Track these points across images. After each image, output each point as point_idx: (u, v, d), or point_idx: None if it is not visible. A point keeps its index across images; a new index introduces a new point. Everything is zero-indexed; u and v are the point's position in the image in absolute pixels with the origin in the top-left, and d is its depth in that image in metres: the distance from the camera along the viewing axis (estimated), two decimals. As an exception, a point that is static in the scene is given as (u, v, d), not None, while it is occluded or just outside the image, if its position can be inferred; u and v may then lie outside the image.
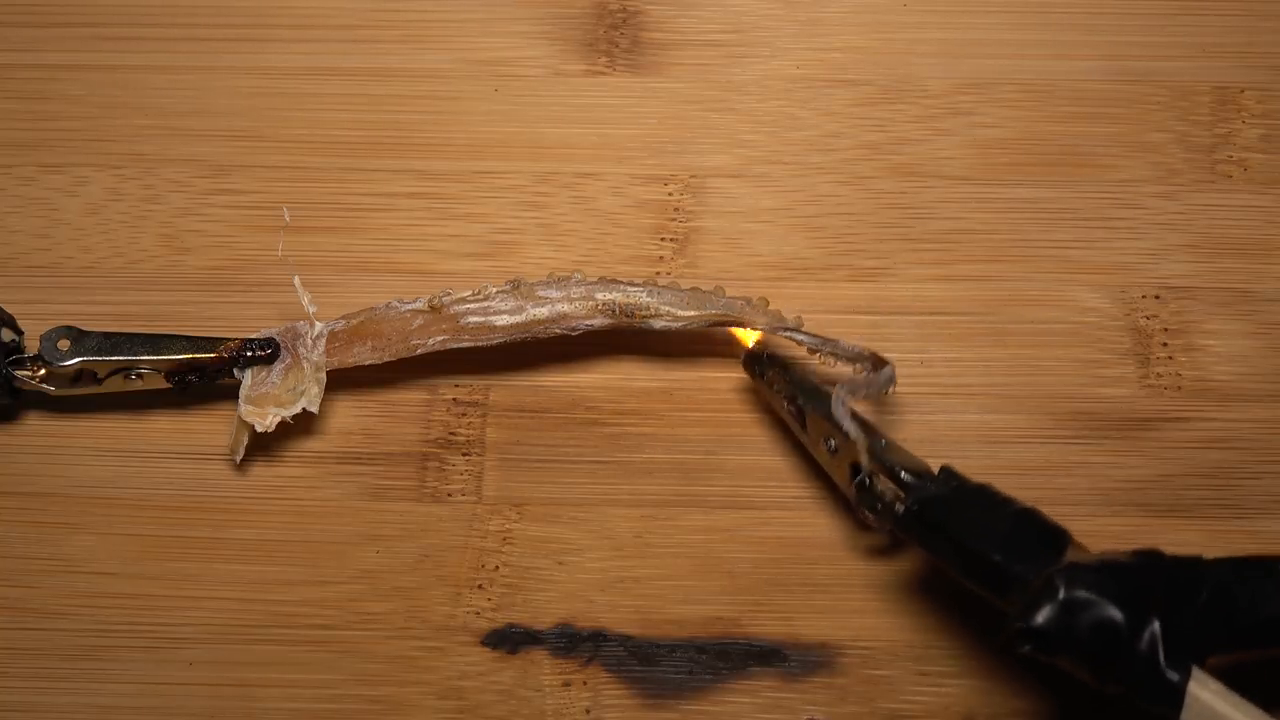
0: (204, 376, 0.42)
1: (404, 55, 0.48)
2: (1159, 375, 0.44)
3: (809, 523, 0.43)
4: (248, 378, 0.42)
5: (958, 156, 0.46)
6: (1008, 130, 0.47)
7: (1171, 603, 0.33)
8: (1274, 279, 0.45)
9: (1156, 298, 0.45)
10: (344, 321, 0.42)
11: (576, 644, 0.42)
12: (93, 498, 0.43)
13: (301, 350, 0.42)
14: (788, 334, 0.41)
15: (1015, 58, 0.47)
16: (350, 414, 0.44)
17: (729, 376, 0.44)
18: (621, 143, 0.47)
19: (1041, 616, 0.33)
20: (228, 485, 0.43)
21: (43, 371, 0.42)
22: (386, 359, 0.42)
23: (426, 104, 0.47)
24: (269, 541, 0.43)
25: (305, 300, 0.42)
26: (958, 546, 0.36)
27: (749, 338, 0.43)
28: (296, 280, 0.42)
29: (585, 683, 0.41)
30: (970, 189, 0.46)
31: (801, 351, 0.42)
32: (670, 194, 0.46)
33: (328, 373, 0.42)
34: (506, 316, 0.42)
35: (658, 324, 0.42)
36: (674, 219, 0.46)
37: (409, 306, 0.42)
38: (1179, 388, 0.44)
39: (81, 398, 0.43)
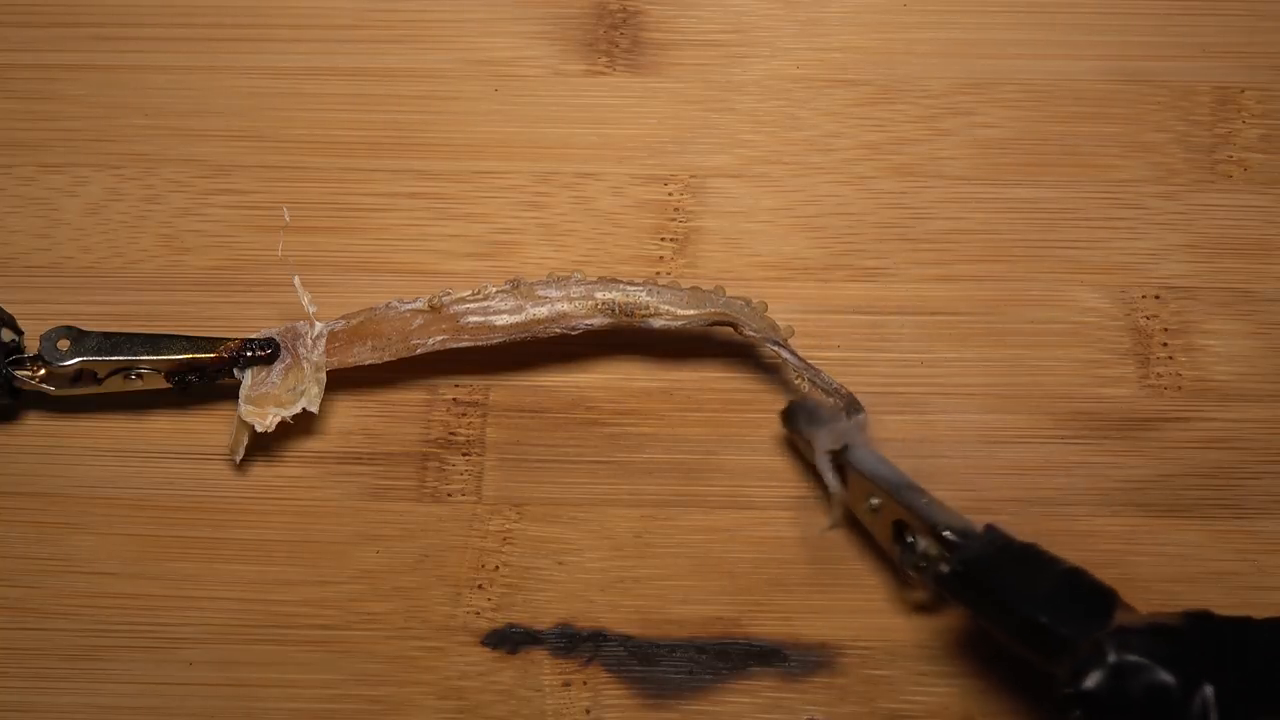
0: (204, 376, 0.42)
1: (404, 55, 0.48)
2: (1159, 375, 0.44)
3: (809, 523, 0.43)
4: (248, 378, 0.42)
5: (958, 156, 0.46)
6: (1008, 130, 0.47)
7: (1223, 666, 0.33)
8: (1274, 279, 0.45)
9: (1156, 298, 0.45)
10: (344, 321, 0.42)
11: (576, 644, 0.42)
12: (93, 498, 0.43)
13: (301, 350, 0.42)
14: (775, 347, 0.41)
15: (1015, 58, 0.47)
16: (350, 414, 0.44)
17: (729, 376, 0.44)
18: (621, 143, 0.47)
19: (1091, 682, 0.32)
20: (228, 485, 0.43)
21: (43, 371, 0.42)
22: (386, 359, 0.42)
23: (426, 104, 0.47)
24: (269, 541, 0.43)
25: (305, 300, 0.42)
26: (1003, 608, 0.35)
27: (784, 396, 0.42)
28: (296, 280, 0.42)
29: (585, 683, 0.41)
30: (970, 189, 0.46)
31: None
32: (670, 194, 0.46)
33: (328, 373, 0.42)
34: (506, 316, 0.41)
35: (657, 323, 0.42)
36: (674, 219, 0.46)
37: (409, 306, 0.42)
38: (1179, 388, 0.44)
39: (81, 398, 0.43)
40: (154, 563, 0.42)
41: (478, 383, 0.44)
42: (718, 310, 0.41)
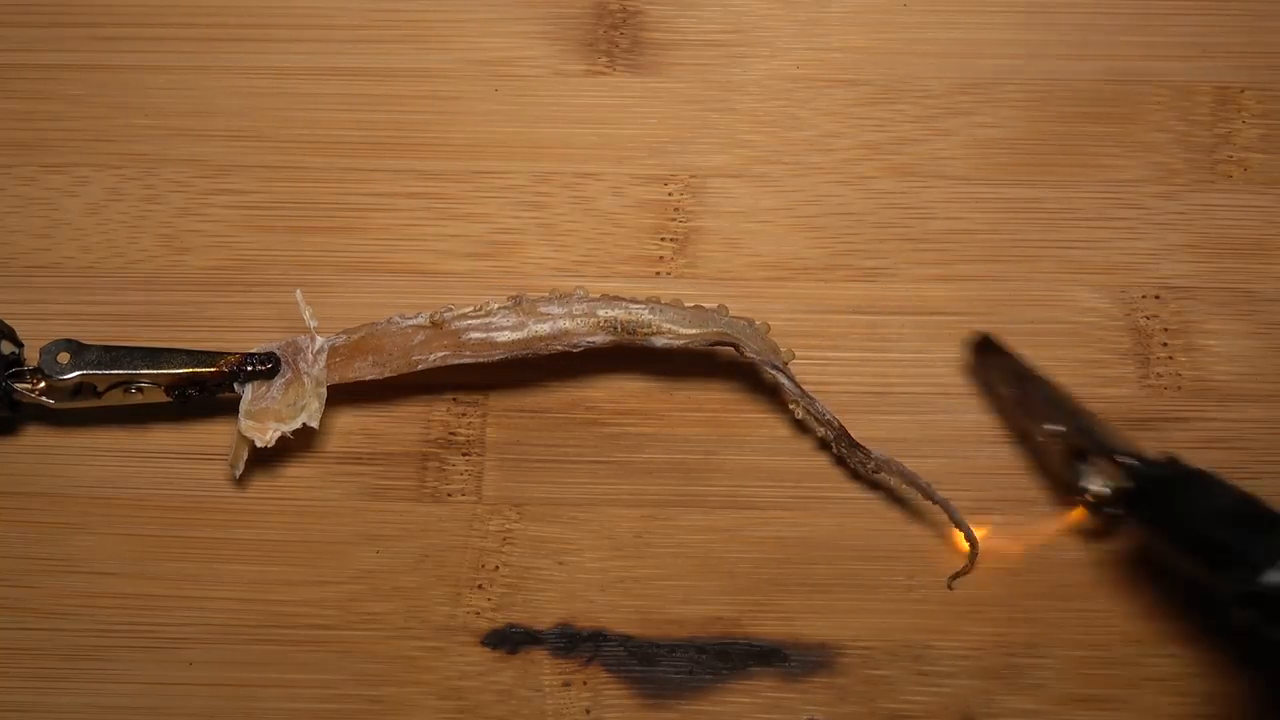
0: (204, 391, 0.42)
1: (404, 55, 0.48)
2: (1159, 375, 0.44)
3: (809, 523, 0.43)
4: (248, 392, 0.41)
5: (958, 156, 0.46)
6: (1008, 130, 0.47)
7: None
8: (1274, 279, 0.45)
9: (1156, 298, 0.45)
10: (345, 336, 0.42)
11: (576, 644, 0.42)
12: (93, 498, 0.43)
13: (302, 365, 0.41)
14: (774, 371, 0.41)
15: (1015, 58, 0.47)
16: (350, 414, 0.44)
17: (729, 377, 0.44)
18: (621, 143, 0.47)
19: (1271, 579, 0.33)
20: (227, 485, 0.43)
21: (42, 384, 0.42)
22: (388, 374, 0.42)
23: (426, 104, 0.47)
24: (269, 541, 0.43)
25: (307, 315, 0.42)
26: (1181, 522, 0.36)
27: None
28: (299, 295, 0.42)
29: (585, 683, 0.41)
30: (970, 189, 0.46)
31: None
32: (670, 194, 0.46)
33: (328, 387, 0.42)
34: (508, 333, 0.41)
35: (659, 342, 0.41)
36: (674, 219, 0.46)
37: (410, 322, 0.42)
38: (1179, 388, 0.44)
39: (81, 411, 0.43)
40: (154, 563, 0.42)
41: (478, 382, 0.44)
42: (720, 330, 0.41)
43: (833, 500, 0.43)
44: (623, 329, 0.41)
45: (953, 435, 0.43)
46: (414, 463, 0.43)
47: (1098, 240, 0.45)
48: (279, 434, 0.41)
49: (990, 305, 0.45)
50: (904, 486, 0.42)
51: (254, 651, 0.42)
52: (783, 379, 0.42)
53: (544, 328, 0.41)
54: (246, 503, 0.43)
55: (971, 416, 0.43)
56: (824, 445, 0.43)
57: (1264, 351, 0.44)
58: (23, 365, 0.42)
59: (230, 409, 0.42)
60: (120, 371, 0.41)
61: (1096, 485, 0.39)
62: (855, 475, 0.43)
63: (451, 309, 0.42)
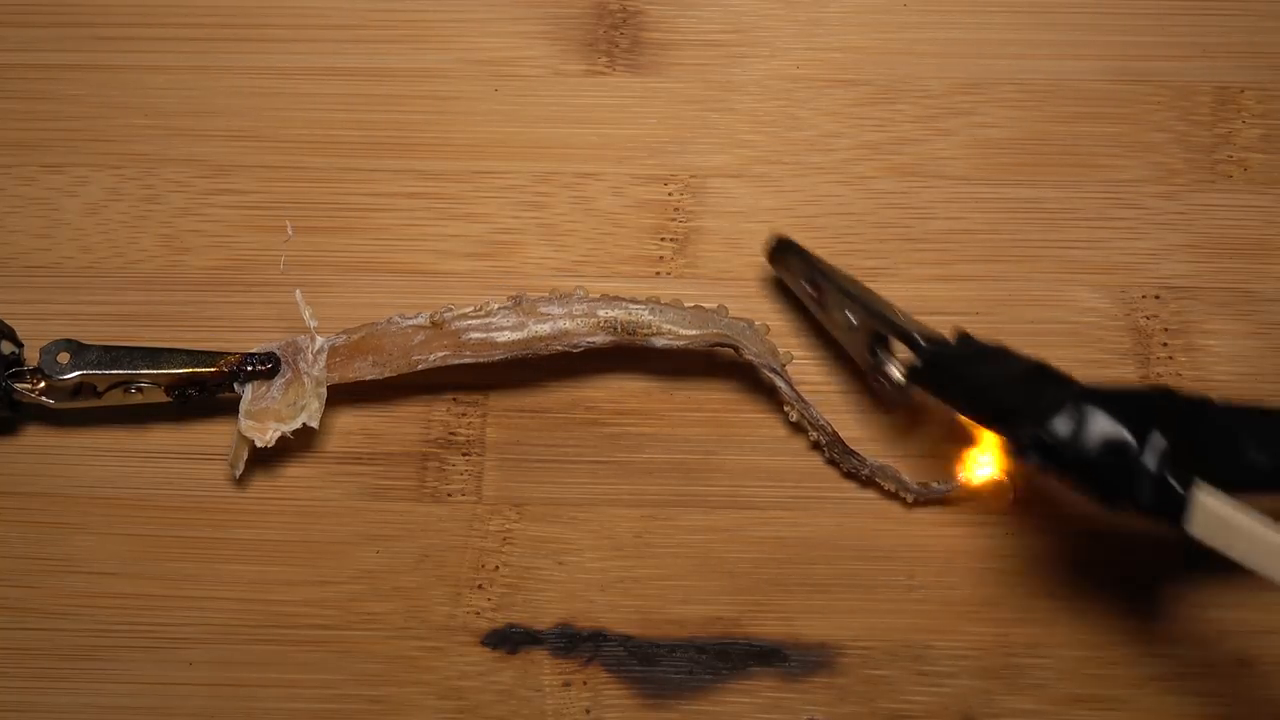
0: (204, 391, 0.42)
1: (404, 55, 0.48)
2: (1159, 375, 0.44)
3: (809, 523, 0.43)
4: (248, 392, 0.41)
5: (958, 156, 0.46)
6: (1008, 130, 0.47)
7: (1178, 429, 0.34)
8: (1274, 279, 0.45)
9: (1156, 298, 0.45)
10: (345, 336, 0.42)
11: (576, 644, 0.42)
12: (93, 498, 0.43)
13: (302, 365, 0.41)
14: (771, 374, 0.42)
15: (1015, 58, 0.47)
16: (350, 414, 0.44)
17: (729, 377, 0.44)
18: (621, 143, 0.47)
19: (1054, 428, 0.34)
20: (227, 485, 0.43)
21: (42, 384, 0.42)
22: (388, 374, 0.42)
23: (426, 104, 0.47)
24: (269, 541, 0.43)
25: (307, 315, 0.42)
26: (973, 390, 0.37)
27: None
28: (299, 295, 0.42)
29: (585, 683, 0.41)
30: (970, 189, 0.46)
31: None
32: (670, 194, 0.46)
33: (328, 387, 0.42)
34: (508, 333, 0.41)
35: (659, 342, 0.41)
36: (674, 219, 0.46)
37: (410, 322, 0.42)
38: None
39: (81, 410, 0.43)
40: (154, 563, 0.42)
41: (478, 382, 0.44)
42: (719, 331, 0.41)
43: (833, 500, 0.43)
44: (623, 329, 0.41)
45: (954, 434, 0.43)
46: (414, 463, 0.43)
47: (1098, 240, 0.45)
48: (279, 434, 0.41)
49: (990, 305, 0.45)
50: (901, 492, 0.42)
51: (254, 651, 0.42)
52: (780, 382, 0.42)
53: (544, 328, 0.41)
54: (246, 503, 0.43)
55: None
56: (816, 447, 0.43)
57: (1264, 351, 0.44)
58: (23, 365, 0.42)
59: (230, 409, 0.42)
60: (120, 371, 0.41)
61: (895, 367, 0.40)
62: (849, 476, 0.43)
63: (451, 309, 0.42)
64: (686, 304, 0.42)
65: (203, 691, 0.41)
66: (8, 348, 0.43)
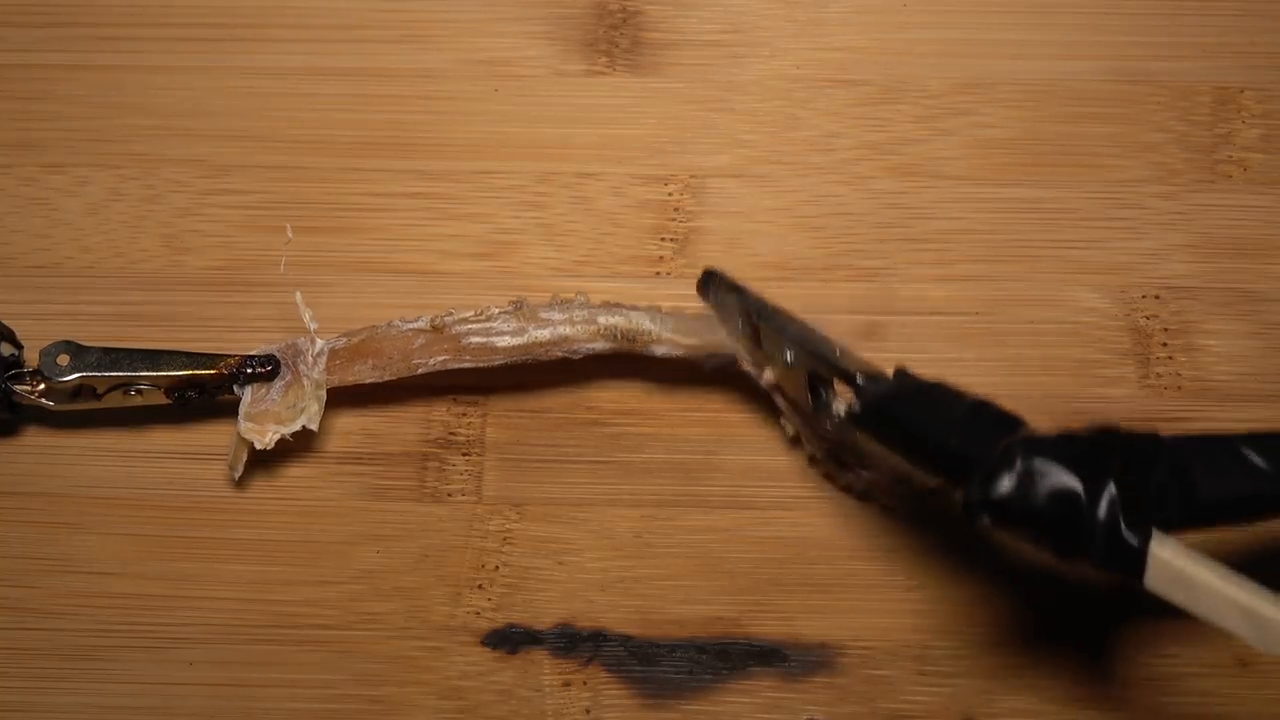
0: (204, 393, 0.42)
1: (404, 55, 0.48)
2: (1159, 375, 0.44)
3: (809, 523, 0.43)
4: (247, 394, 0.41)
5: (958, 156, 0.46)
6: (1008, 130, 0.47)
7: (1130, 473, 0.32)
8: (1274, 279, 0.45)
9: (1156, 298, 0.45)
10: (345, 339, 0.42)
11: (576, 644, 0.42)
12: (93, 498, 0.43)
13: (302, 367, 0.41)
14: (771, 389, 0.42)
15: (1016, 58, 0.47)
16: (350, 414, 0.44)
17: (729, 378, 0.44)
18: (621, 143, 0.47)
19: (1001, 486, 0.32)
20: (227, 485, 0.43)
21: (42, 386, 0.42)
22: (387, 378, 0.42)
23: (426, 104, 0.47)
24: (269, 541, 0.43)
25: (307, 317, 0.42)
26: (912, 437, 0.36)
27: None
28: (298, 297, 0.42)
29: (585, 683, 0.41)
30: (970, 189, 0.46)
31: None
32: (670, 194, 0.46)
33: (328, 390, 0.42)
34: (508, 338, 0.41)
35: (659, 350, 0.42)
36: (674, 219, 0.46)
37: (410, 326, 0.42)
38: (1179, 388, 0.44)
39: (81, 413, 0.43)
40: (154, 563, 0.42)
41: (478, 383, 0.44)
42: (720, 341, 0.42)
43: (833, 500, 0.43)
44: (623, 337, 0.41)
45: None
46: (414, 463, 0.43)
47: (1098, 240, 0.45)
48: (279, 436, 0.41)
49: (990, 305, 0.45)
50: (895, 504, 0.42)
51: (254, 651, 0.42)
52: (777, 398, 0.42)
53: (544, 334, 0.41)
54: (246, 503, 0.43)
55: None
56: (813, 461, 0.43)
57: (1264, 351, 0.44)
58: (22, 367, 0.42)
59: (230, 409, 0.42)
60: (120, 373, 0.41)
61: (836, 406, 0.39)
62: (845, 490, 0.43)
63: (452, 313, 0.42)
64: (687, 306, 0.42)
65: (203, 691, 0.41)
66: (7, 349, 0.43)
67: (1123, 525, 0.32)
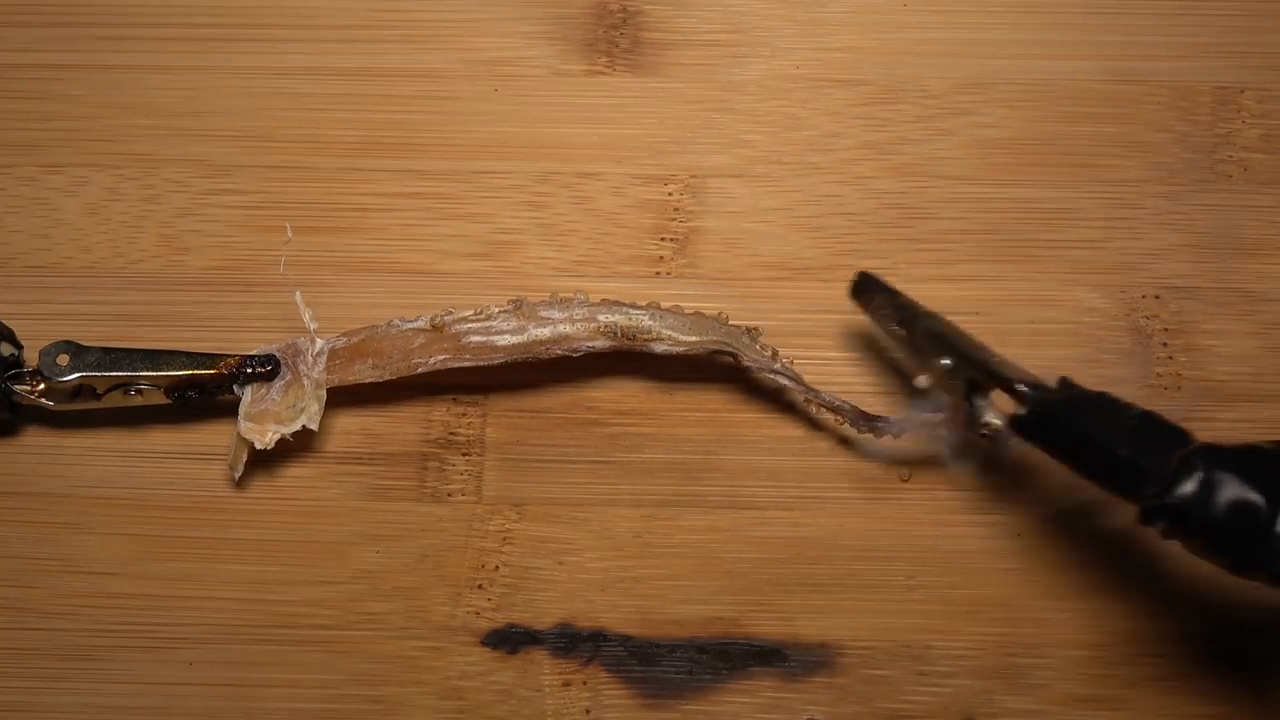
0: (204, 393, 0.42)
1: (404, 55, 0.48)
2: (1159, 375, 0.44)
3: (809, 523, 0.43)
4: (247, 394, 0.41)
5: (958, 156, 0.46)
6: (1008, 130, 0.47)
7: None
8: (1274, 279, 0.45)
9: (1156, 298, 0.45)
10: (345, 339, 0.42)
11: (576, 644, 0.42)
12: (93, 498, 0.43)
13: (302, 367, 0.41)
14: (775, 375, 0.42)
15: (1015, 58, 0.47)
16: (350, 414, 0.44)
17: (729, 377, 0.44)
18: (621, 143, 0.47)
19: (1181, 492, 0.32)
20: (227, 485, 0.43)
21: (42, 386, 0.42)
22: (387, 377, 0.42)
23: (426, 104, 0.47)
24: (269, 541, 0.43)
25: (306, 317, 0.42)
26: (1082, 444, 0.36)
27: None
28: (298, 297, 0.42)
29: (585, 683, 0.41)
30: (970, 189, 0.46)
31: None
32: (670, 194, 0.46)
33: (328, 389, 0.42)
34: (508, 337, 0.41)
35: (659, 348, 0.42)
36: (674, 219, 0.46)
37: (410, 325, 0.42)
38: (1179, 388, 0.44)
39: (81, 413, 0.43)
40: (154, 563, 0.42)
41: (478, 382, 0.44)
42: (719, 339, 0.42)
43: (833, 500, 0.43)
44: (623, 334, 0.41)
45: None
46: (414, 463, 0.43)
47: (1098, 240, 0.45)
48: (279, 436, 0.41)
49: (990, 305, 0.45)
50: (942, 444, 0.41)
51: (254, 651, 0.42)
52: (785, 380, 0.42)
53: (544, 332, 0.41)
54: (246, 503, 0.43)
55: (971, 416, 0.43)
56: (844, 441, 0.43)
57: (1264, 351, 0.44)
58: (22, 367, 0.42)
59: (230, 409, 0.42)
60: (120, 373, 0.41)
61: (993, 416, 0.39)
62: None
63: (452, 312, 0.42)
64: (686, 306, 0.42)
65: (203, 691, 0.41)
66: (7, 349, 0.43)
67: None
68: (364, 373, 0.42)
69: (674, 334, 0.42)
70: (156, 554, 0.42)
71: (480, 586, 0.42)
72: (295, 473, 0.43)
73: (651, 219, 0.46)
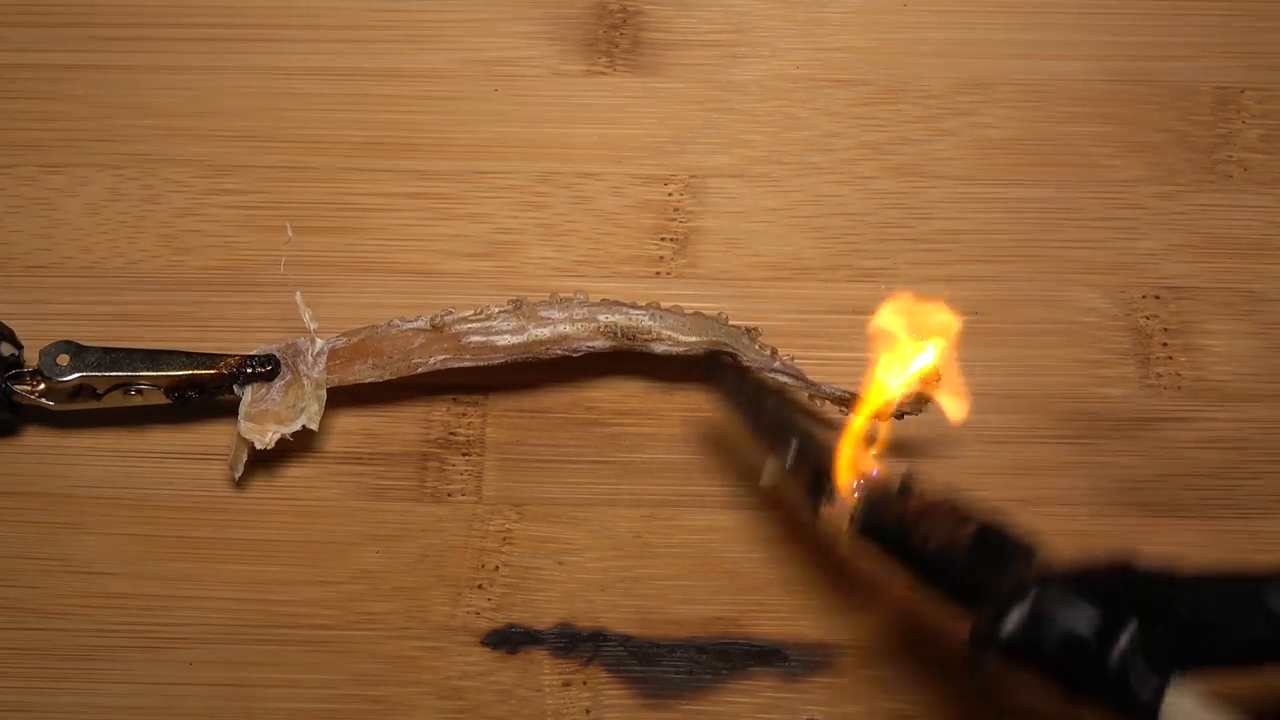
0: (204, 393, 0.42)
1: (404, 55, 0.48)
2: (1159, 375, 0.44)
3: (809, 522, 0.43)
4: (247, 394, 0.41)
5: (958, 156, 0.46)
6: (1008, 130, 0.47)
7: (1146, 617, 0.31)
8: (1274, 279, 0.45)
9: (1156, 298, 0.45)
10: (345, 339, 0.42)
11: (576, 644, 0.42)
12: (93, 498, 0.43)
13: (302, 367, 0.41)
14: (773, 373, 0.42)
15: (1015, 58, 0.47)
16: (350, 414, 0.44)
17: (729, 376, 0.44)
18: (621, 143, 0.47)
19: (1010, 625, 0.31)
20: (227, 485, 0.43)
21: (42, 386, 0.42)
22: (387, 377, 0.42)
23: (426, 104, 0.47)
24: (269, 541, 0.43)
25: (306, 318, 0.42)
26: (919, 560, 0.34)
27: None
28: (298, 296, 0.42)
29: (585, 683, 0.41)
30: (970, 189, 0.46)
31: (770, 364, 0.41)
32: (670, 194, 0.46)
33: (328, 389, 0.42)
34: (508, 337, 0.41)
35: (659, 348, 0.42)
36: (674, 219, 0.46)
37: (410, 325, 0.42)
38: (1179, 388, 0.44)
39: (81, 412, 0.43)
40: (154, 563, 0.42)
41: (478, 382, 0.44)
42: (718, 339, 0.42)
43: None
44: (623, 334, 0.41)
45: (953, 435, 0.43)
46: (414, 463, 0.43)
47: (1098, 240, 0.45)
48: (279, 436, 0.41)
49: (990, 305, 0.45)
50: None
51: (254, 651, 0.42)
52: (785, 377, 0.42)
53: (544, 332, 0.41)
54: (246, 503, 0.43)
55: (971, 416, 0.43)
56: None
57: (1264, 351, 0.44)
58: (22, 367, 0.42)
59: (230, 409, 0.42)
60: (120, 373, 0.41)
61: (836, 509, 0.36)
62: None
63: (452, 312, 0.42)
64: (686, 306, 0.42)
65: (203, 691, 0.41)
66: (7, 349, 0.43)
67: (1139, 671, 0.31)
68: (364, 373, 0.42)
69: (674, 334, 0.42)
70: (156, 554, 0.42)
71: (480, 586, 0.42)
72: (295, 473, 0.43)
73: (651, 219, 0.46)
